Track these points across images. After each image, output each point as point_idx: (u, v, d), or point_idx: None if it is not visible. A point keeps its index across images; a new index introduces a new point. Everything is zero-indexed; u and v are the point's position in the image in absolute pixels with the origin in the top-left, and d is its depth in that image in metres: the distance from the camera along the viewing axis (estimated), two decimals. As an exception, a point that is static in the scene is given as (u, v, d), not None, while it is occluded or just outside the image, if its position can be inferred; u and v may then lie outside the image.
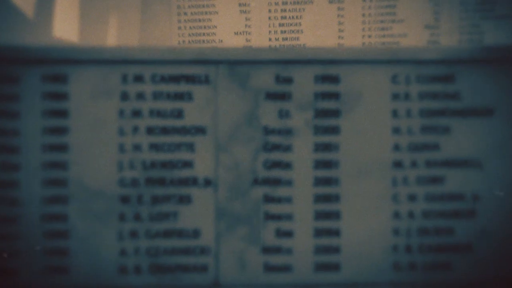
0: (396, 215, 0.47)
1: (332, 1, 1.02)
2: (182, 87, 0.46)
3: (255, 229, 0.46)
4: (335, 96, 0.47)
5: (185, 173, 0.46)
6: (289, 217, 0.47)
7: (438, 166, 0.47)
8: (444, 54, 0.47)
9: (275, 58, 0.47)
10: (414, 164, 0.47)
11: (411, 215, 0.47)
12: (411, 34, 1.01)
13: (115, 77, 0.46)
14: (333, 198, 0.47)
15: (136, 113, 0.46)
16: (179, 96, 0.46)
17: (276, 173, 0.47)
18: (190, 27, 1.03)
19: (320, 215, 0.47)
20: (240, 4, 1.03)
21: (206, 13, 1.04)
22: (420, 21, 1.00)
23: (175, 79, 0.46)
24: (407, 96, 0.47)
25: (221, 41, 1.03)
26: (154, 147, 0.46)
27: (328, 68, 0.47)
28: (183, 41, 1.05)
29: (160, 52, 0.46)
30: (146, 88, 0.46)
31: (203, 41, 1.03)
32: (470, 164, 0.47)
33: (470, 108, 0.47)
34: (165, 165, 0.46)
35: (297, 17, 1.03)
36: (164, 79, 0.46)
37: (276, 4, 1.03)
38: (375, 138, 0.47)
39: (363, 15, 1.03)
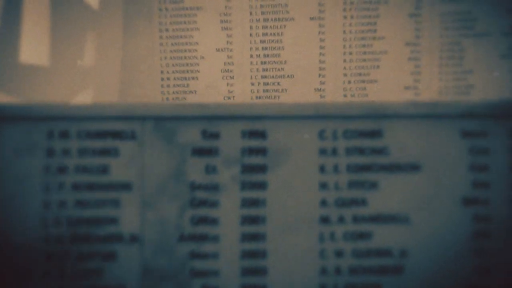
0: (323, 271, 0.47)
1: (313, 18, 1.02)
2: (108, 143, 0.46)
3: (181, 286, 0.46)
4: (262, 151, 0.47)
5: (110, 229, 0.46)
6: (215, 273, 0.47)
7: (366, 221, 0.47)
8: (371, 109, 0.47)
9: (202, 114, 0.47)
10: (341, 219, 0.47)
11: (338, 271, 0.47)
12: (392, 51, 1.00)
13: (40, 134, 0.46)
14: (260, 254, 0.47)
15: (62, 170, 0.46)
16: (105, 152, 0.46)
17: (202, 229, 0.47)
18: (172, 44, 1.03)
19: (246, 271, 0.47)
20: (221, 21, 1.03)
21: (187, 29, 1.04)
22: (401, 38, 1.00)
23: (101, 135, 0.47)
24: (334, 152, 0.47)
25: (203, 57, 1.04)
26: (80, 203, 0.46)
27: (255, 123, 0.47)
28: (165, 57, 1.05)
29: (86, 109, 0.47)
30: (72, 144, 0.46)
31: (185, 57, 1.03)
32: (398, 219, 0.47)
33: (398, 163, 0.47)
34: (90, 221, 0.46)
35: (278, 33, 1.03)
36: (90, 135, 0.46)
37: (258, 21, 1.02)
38: (302, 193, 0.47)
39: (344, 32, 1.02)
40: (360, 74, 1.09)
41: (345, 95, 1.06)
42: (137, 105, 0.47)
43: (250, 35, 1.06)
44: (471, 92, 1.07)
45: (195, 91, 1.05)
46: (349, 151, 0.47)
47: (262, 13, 1.05)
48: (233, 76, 1.08)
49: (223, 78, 1.07)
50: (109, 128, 0.47)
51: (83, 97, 0.97)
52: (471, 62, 1.06)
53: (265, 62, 1.06)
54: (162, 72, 1.05)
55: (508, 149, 0.48)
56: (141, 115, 0.47)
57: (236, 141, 0.47)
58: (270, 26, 1.05)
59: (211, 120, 0.47)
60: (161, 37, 1.05)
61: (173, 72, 1.07)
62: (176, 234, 0.47)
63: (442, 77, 1.09)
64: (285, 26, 1.05)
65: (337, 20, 1.05)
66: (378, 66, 1.09)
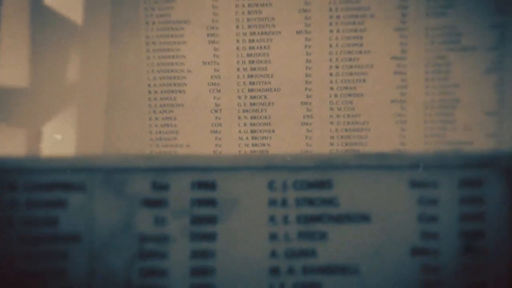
0: (273, 321, 0.47)
1: (299, 31, 1.02)
2: (57, 195, 0.47)
3: (130, 337, 0.47)
4: (211, 202, 0.47)
5: (58, 282, 0.46)
6: (164, 324, 0.47)
7: (315, 272, 0.47)
8: (320, 161, 0.47)
9: (151, 166, 0.47)
10: (291, 271, 0.47)
11: (287, 322, 0.47)
12: (378, 65, 1.00)
13: (-11, 187, 0.46)
14: (210, 305, 0.47)
15: (9, 222, 0.46)
16: (53, 204, 0.47)
17: (151, 281, 0.47)
18: (159, 57, 1.03)
19: (196, 322, 0.47)
20: (208, 35, 1.03)
21: (174, 43, 1.04)
22: (387, 52, 1.00)
23: (50, 187, 0.47)
24: (284, 203, 0.47)
25: (190, 71, 1.04)
26: (28, 257, 0.46)
27: (205, 175, 0.47)
28: (152, 70, 1.06)
29: (35, 161, 0.47)
30: (20, 196, 0.46)
31: (172, 70, 1.04)
32: (347, 270, 0.47)
33: (347, 214, 0.47)
34: (37, 274, 0.46)
35: (265, 47, 1.02)
36: (38, 187, 0.47)
37: (244, 34, 1.02)
38: (252, 244, 0.47)
39: (330, 45, 1.02)
40: (346, 88, 1.09)
41: (331, 109, 1.06)
42: (86, 157, 0.47)
43: (237, 48, 1.06)
44: (457, 105, 1.07)
45: (182, 104, 1.05)
46: (299, 202, 0.47)
47: (249, 26, 1.04)
48: (220, 90, 1.08)
49: (210, 91, 1.07)
50: (58, 180, 0.47)
51: (68, 114, 0.97)
52: (457, 76, 1.05)
53: (252, 76, 1.06)
54: (149, 85, 1.05)
55: (457, 199, 0.47)
56: (90, 167, 0.47)
57: (186, 193, 0.47)
58: (257, 40, 1.05)
59: (160, 171, 0.47)
60: (148, 50, 1.06)
61: (160, 85, 1.07)
62: (124, 287, 0.47)
63: (429, 91, 1.09)
64: (271, 39, 1.05)
65: (324, 34, 1.05)
66: (364, 80, 1.09)
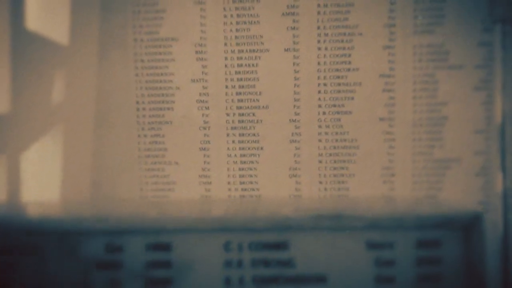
0: None
1: (287, 49, 1.01)
2: (10, 258, 0.46)
3: None
4: (166, 264, 0.47)
5: None
6: None
7: (271, 334, 0.47)
8: (276, 222, 0.47)
9: (105, 228, 0.47)
10: (246, 332, 0.47)
11: None
12: (366, 83, 1.00)
13: None
14: None
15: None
16: (7, 267, 0.46)
17: None
18: (147, 74, 1.03)
19: None
20: (197, 52, 1.03)
21: (163, 60, 1.04)
22: (375, 70, 0.99)
23: (3, 250, 0.46)
24: (240, 264, 0.47)
25: (178, 88, 1.03)
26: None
27: (160, 236, 0.47)
28: (141, 87, 1.05)
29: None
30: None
31: (160, 88, 1.03)
32: (303, 332, 0.47)
33: (304, 275, 0.47)
34: None
35: (253, 64, 1.02)
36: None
37: (233, 52, 1.02)
38: (207, 306, 0.47)
39: (318, 63, 1.02)
40: (334, 105, 1.08)
41: (320, 126, 1.06)
42: (40, 219, 0.47)
43: (225, 66, 1.06)
44: (446, 123, 1.06)
45: (171, 122, 1.05)
46: (254, 263, 0.47)
47: (237, 44, 1.04)
48: (208, 107, 1.08)
49: (198, 108, 1.07)
50: (11, 243, 0.47)
51: (54, 135, 0.97)
52: (445, 94, 1.05)
53: (240, 93, 1.06)
54: (137, 102, 1.05)
55: (414, 260, 0.47)
56: (44, 230, 0.47)
57: (140, 255, 0.47)
58: (245, 57, 1.05)
59: (115, 234, 0.47)
60: (136, 68, 1.05)
61: (148, 102, 1.07)
62: None
63: (417, 108, 1.08)
64: (260, 57, 1.05)
65: (312, 51, 1.04)
66: (352, 98, 1.08)
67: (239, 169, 1.07)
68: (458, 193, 0.98)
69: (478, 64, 0.90)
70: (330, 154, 1.08)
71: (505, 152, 0.87)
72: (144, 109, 1.08)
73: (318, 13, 1.01)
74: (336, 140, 1.08)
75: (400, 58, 0.99)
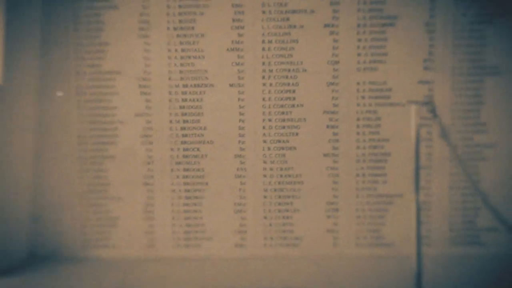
0: None
1: (232, 84, 1.01)
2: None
3: None
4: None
5: None
6: None
7: None
8: None
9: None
10: None
11: None
12: (310, 119, 1.00)
13: None
14: None
15: None
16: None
17: None
18: (90, 108, 1.01)
19: None
20: (140, 86, 1.02)
21: (106, 93, 1.03)
22: (319, 106, 1.00)
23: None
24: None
25: (122, 122, 1.02)
26: None
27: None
28: (83, 121, 1.04)
29: None
30: None
31: (104, 122, 1.02)
32: None
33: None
34: None
35: (197, 99, 1.02)
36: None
37: (177, 86, 1.02)
38: None
39: (263, 99, 1.02)
40: (279, 141, 1.09)
41: (264, 162, 1.06)
42: None
43: (170, 100, 1.05)
44: (388, 159, 1.08)
45: (114, 156, 1.03)
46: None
47: (181, 78, 1.04)
48: (152, 142, 1.07)
49: (142, 143, 1.06)
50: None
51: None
52: (387, 130, 1.06)
53: (184, 128, 1.05)
54: (79, 136, 1.04)
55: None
56: None
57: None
58: (190, 92, 1.04)
59: None
60: (78, 101, 1.04)
61: (91, 136, 1.05)
62: None
63: (360, 144, 1.09)
64: (204, 92, 1.05)
65: (257, 87, 1.05)
66: (297, 134, 1.09)
67: (184, 204, 1.06)
68: (401, 228, 1.00)
69: (419, 101, 0.92)
70: (275, 190, 1.08)
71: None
72: (86, 143, 1.06)
73: (263, 49, 1.02)
74: (281, 176, 1.08)
75: (344, 94, 1.01)
